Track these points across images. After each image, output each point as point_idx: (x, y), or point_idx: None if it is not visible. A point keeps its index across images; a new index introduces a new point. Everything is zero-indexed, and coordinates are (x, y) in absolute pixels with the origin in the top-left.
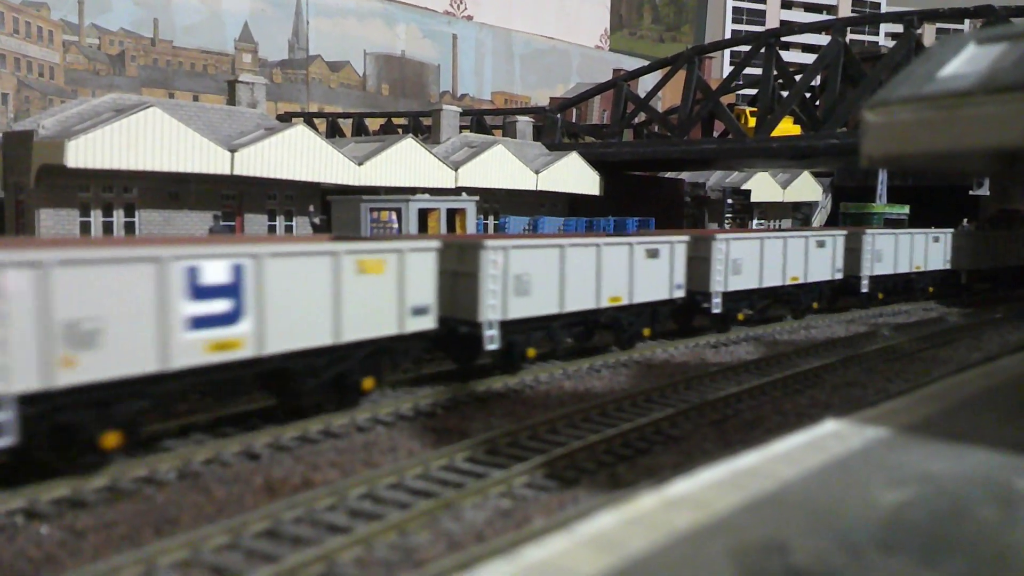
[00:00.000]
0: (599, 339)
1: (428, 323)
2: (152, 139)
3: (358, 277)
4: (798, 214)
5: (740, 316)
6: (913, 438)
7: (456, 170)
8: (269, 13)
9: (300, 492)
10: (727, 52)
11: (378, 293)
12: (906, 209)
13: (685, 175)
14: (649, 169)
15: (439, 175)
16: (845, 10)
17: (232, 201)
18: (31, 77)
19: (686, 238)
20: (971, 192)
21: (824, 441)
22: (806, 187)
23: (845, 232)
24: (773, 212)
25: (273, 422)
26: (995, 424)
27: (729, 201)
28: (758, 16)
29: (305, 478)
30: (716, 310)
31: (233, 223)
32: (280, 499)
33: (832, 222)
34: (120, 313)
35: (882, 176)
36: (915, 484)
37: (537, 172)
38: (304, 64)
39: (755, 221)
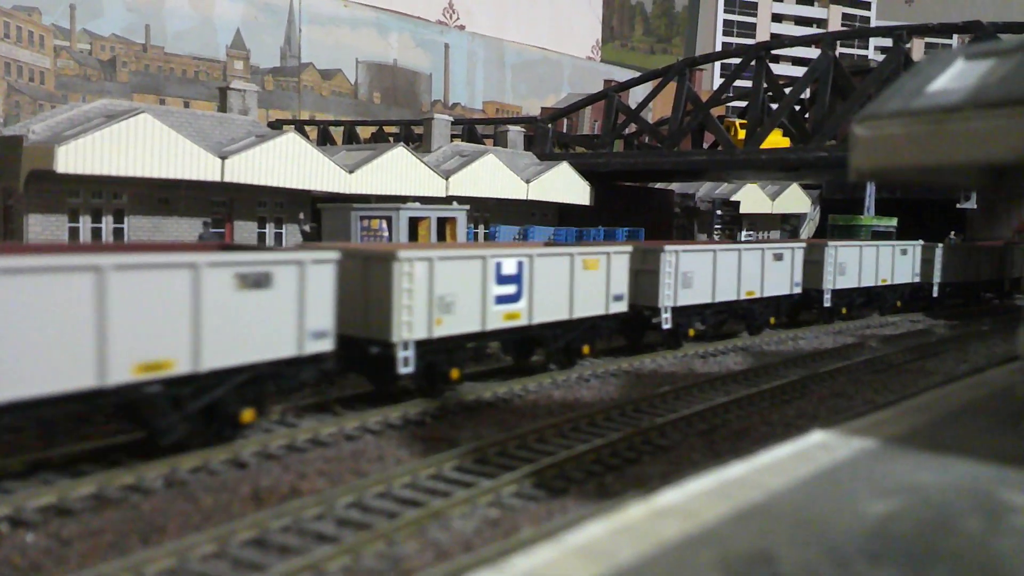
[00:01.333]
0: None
1: (622, 307)
2: (143, 145)
3: (584, 272)
4: (787, 226)
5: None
6: (900, 449)
7: (447, 179)
8: (261, 20)
9: (288, 501)
10: (717, 64)
11: (593, 284)
12: (894, 221)
13: (675, 186)
14: (639, 180)
15: (430, 184)
16: (835, 24)
17: (222, 208)
18: (21, 82)
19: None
20: (958, 205)
21: (811, 452)
22: (795, 199)
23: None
24: (762, 223)
25: (263, 431)
26: (981, 435)
27: (718, 212)
28: (749, 29)
29: (293, 487)
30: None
31: (223, 230)
32: (268, 508)
33: (820, 234)
34: (463, 291)
35: (870, 189)
36: (902, 495)
37: (528, 181)
38: (296, 72)
39: (744, 232)
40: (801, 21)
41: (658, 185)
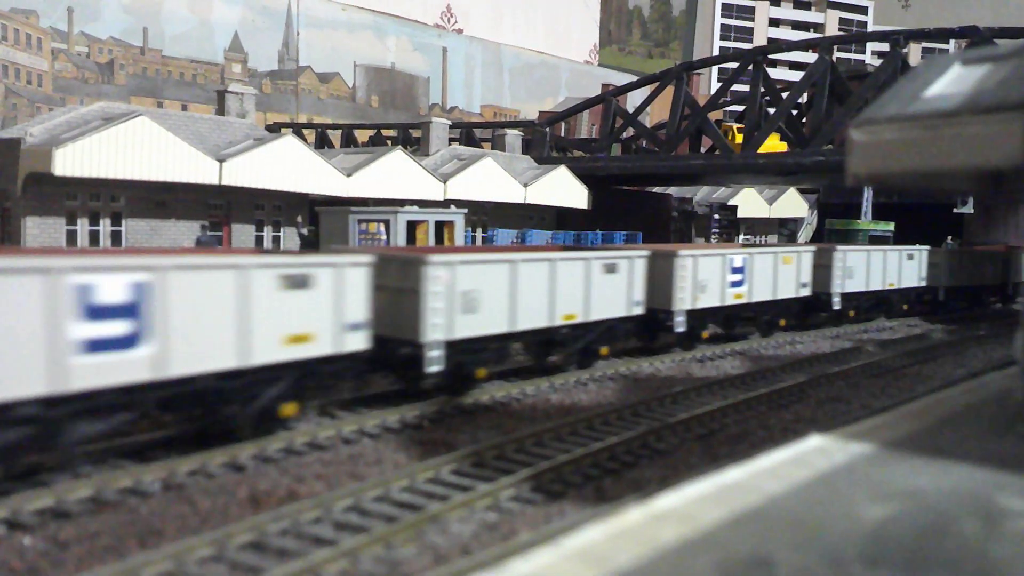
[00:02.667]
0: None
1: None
2: (140, 148)
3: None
4: (784, 230)
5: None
6: (897, 454)
7: (445, 182)
8: (259, 23)
9: (285, 504)
10: (715, 69)
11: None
12: (891, 226)
13: (672, 190)
14: (637, 184)
15: (428, 187)
16: (832, 29)
17: (220, 211)
18: (19, 84)
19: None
20: (955, 210)
21: (809, 456)
22: (792, 203)
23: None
24: (759, 228)
25: (259, 434)
26: (978, 440)
27: (716, 216)
28: (746, 33)
29: (290, 490)
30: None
31: (220, 233)
32: (265, 511)
33: (818, 238)
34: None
35: (867, 193)
36: (899, 499)
37: (525, 185)
38: (294, 75)
39: (741, 236)
40: (798, 26)
41: (656, 189)
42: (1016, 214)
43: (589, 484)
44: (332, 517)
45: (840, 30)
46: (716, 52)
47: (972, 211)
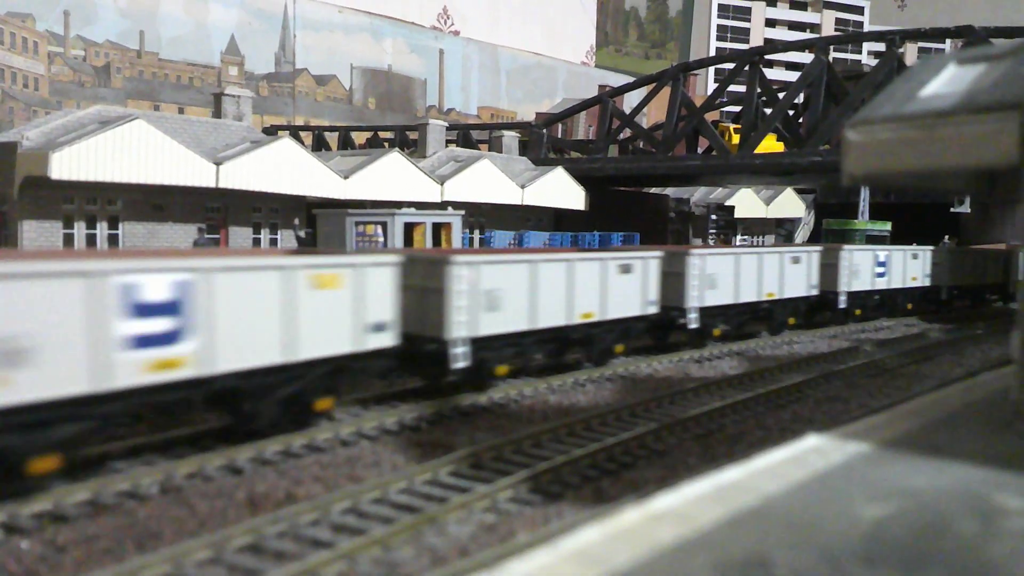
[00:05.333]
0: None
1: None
2: (137, 151)
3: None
4: (781, 230)
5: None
6: (894, 453)
7: (442, 184)
8: (256, 26)
9: (283, 507)
10: (711, 69)
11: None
12: (888, 226)
13: (670, 191)
14: (634, 184)
15: (425, 189)
16: (828, 29)
17: (217, 214)
18: (15, 88)
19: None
20: (952, 209)
21: (806, 456)
22: (789, 203)
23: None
24: (757, 228)
25: (255, 437)
26: (975, 439)
27: (713, 217)
28: (742, 34)
29: (288, 492)
30: (693, 325)
31: (218, 236)
32: (263, 514)
33: (815, 238)
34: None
35: (864, 193)
36: (896, 499)
37: (523, 187)
38: (291, 77)
39: (739, 237)
40: (795, 26)
41: (653, 190)
42: (1013, 213)
43: (587, 485)
44: (330, 519)
45: (836, 30)
46: (713, 53)
47: (969, 211)
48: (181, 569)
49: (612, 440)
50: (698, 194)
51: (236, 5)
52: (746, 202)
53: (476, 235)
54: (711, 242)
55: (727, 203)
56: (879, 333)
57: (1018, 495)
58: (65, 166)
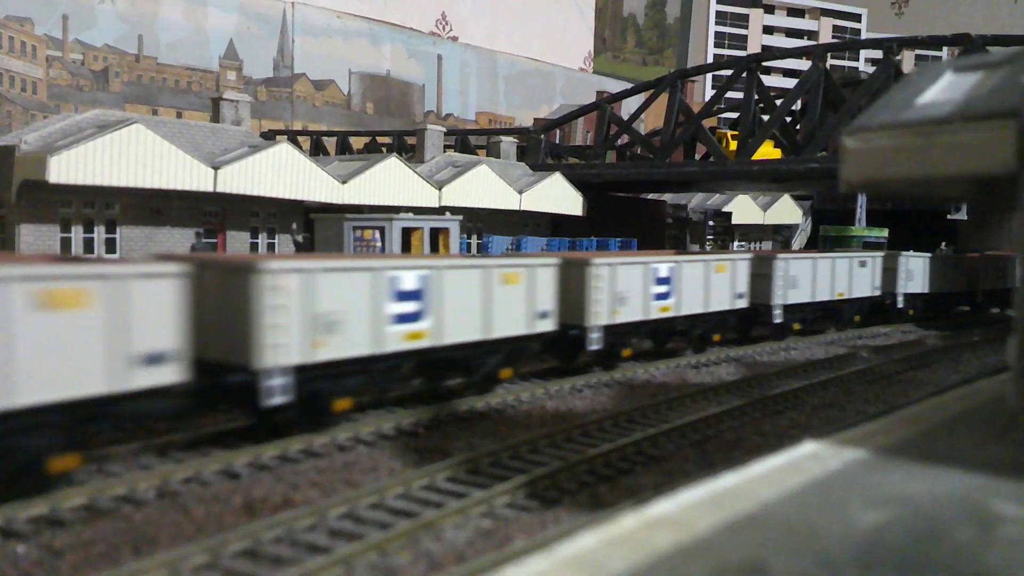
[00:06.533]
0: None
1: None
2: (135, 156)
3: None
4: (778, 236)
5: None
6: (891, 459)
7: (440, 189)
8: (254, 31)
9: (280, 512)
10: (709, 76)
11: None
12: (885, 232)
13: (667, 197)
14: (631, 190)
15: (423, 194)
16: (826, 36)
17: (215, 218)
18: (13, 92)
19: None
20: (949, 216)
21: (803, 462)
22: (786, 210)
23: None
24: (754, 234)
25: (251, 440)
26: (973, 446)
27: (710, 223)
28: (740, 41)
29: (285, 497)
30: (778, 320)
31: (215, 240)
32: (260, 519)
33: (812, 245)
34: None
35: (861, 200)
36: (893, 505)
37: (520, 192)
38: (289, 82)
39: (736, 243)
40: (792, 33)
41: (650, 196)
42: (1010, 221)
43: (584, 491)
44: (327, 524)
45: (834, 37)
46: (710, 59)
47: (966, 218)
48: (178, 574)
49: (609, 446)
50: (695, 200)
51: (235, 10)
52: (743, 208)
53: (474, 240)
54: (708, 248)
55: (724, 209)
56: (875, 340)
57: (1015, 502)
58: (63, 170)
